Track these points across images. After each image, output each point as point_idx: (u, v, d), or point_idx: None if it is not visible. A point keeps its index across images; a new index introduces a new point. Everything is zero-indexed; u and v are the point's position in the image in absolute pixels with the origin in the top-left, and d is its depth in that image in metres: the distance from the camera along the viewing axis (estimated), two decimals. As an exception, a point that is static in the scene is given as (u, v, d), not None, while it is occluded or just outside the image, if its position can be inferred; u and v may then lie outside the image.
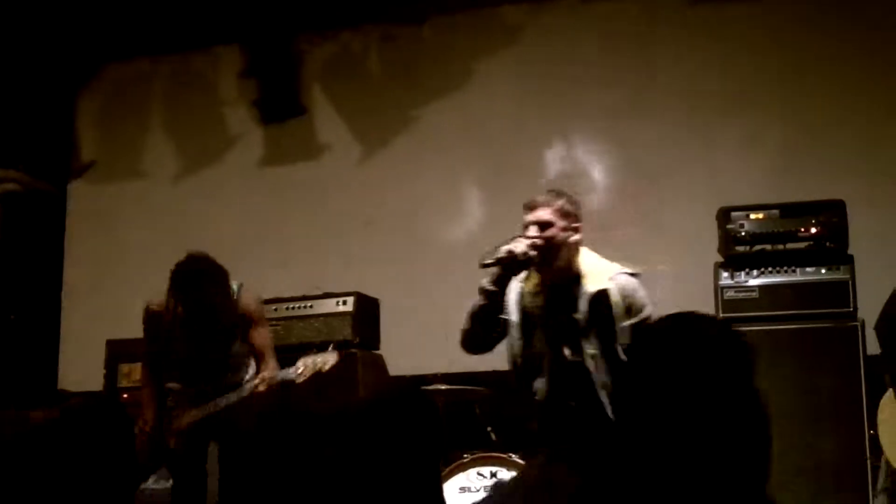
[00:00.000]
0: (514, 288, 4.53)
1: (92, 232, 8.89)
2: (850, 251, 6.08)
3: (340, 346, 6.80)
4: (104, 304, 8.33)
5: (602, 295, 4.34)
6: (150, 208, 8.70)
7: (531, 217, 4.42)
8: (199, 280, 5.46)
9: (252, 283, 7.65)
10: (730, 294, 6.21)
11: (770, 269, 6.18)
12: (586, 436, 4.31)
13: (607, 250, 7.39)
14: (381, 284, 7.56)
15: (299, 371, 5.45)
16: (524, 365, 4.53)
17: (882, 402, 4.93)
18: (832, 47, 7.47)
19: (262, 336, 5.68)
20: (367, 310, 7.16)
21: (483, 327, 4.53)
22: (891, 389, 4.87)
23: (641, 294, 4.42)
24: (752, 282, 6.19)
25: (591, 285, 4.37)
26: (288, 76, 8.63)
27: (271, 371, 5.52)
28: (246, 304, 5.64)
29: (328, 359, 5.58)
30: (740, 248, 6.28)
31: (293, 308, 7.12)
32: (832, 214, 6.18)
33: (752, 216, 6.27)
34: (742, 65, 7.65)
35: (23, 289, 8.49)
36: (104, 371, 7.37)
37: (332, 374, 5.55)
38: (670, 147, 7.67)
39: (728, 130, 7.59)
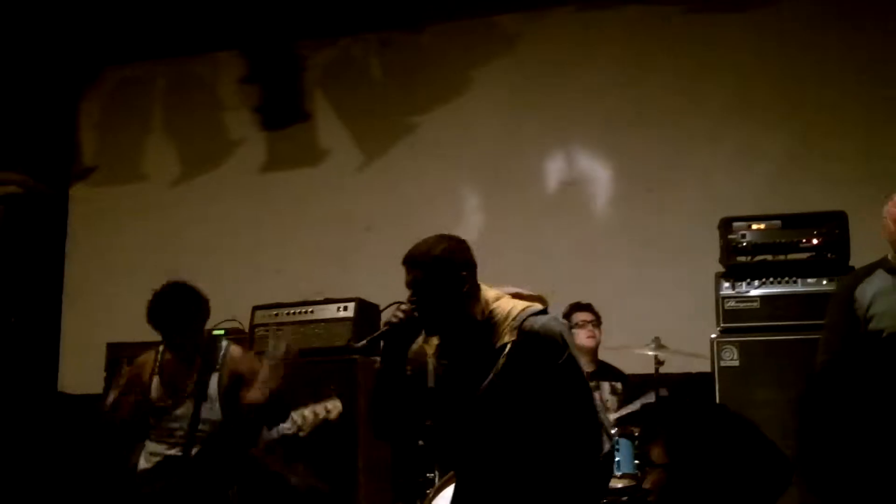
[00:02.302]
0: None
1: (93, 235, 8.91)
2: (850, 262, 6.09)
3: (340, 352, 6.82)
4: (104, 307, 8.34)
5: (506, 352, 3.57)
6: (150, 212, 8.71)
7: (406, 279, 3.68)
8: (182, 312, 5.22)
9: (252, 287, 7.75)
10: (731, 304, 6.21)
11: (771, 279, 6.19)
12: None
13: (606, 260, 7.50)
14: (381, 290, 7.56)
15: (298, 424, 5.17)
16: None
17: None
18: (831, 57, 7.50)
19: (255, 393, 5.16)
20: (368, 315, 7.15)
21: (386, 398, 3.88)
22: None
23: (552, 335, 3.59)
24: (754, 292, 6.19)
25: (497, 341, 3.61)
26: (289, 82, 8.65)
27: (255, 394, 5.13)
28: (234, 360, 5.28)
29: (331, 407, 5.29)
30: (741, 259, 6.28)
31: (294, 313, 7.10)
32: (833, 225, 6.19)
33: (754, 226, 6.27)
34: (741, 74, 7.67)
35: (23, 291, 8.49)
36: (104, 373, 7.35)
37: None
38: (669, 156, 7.70)
39: (727, 140, 7.61)
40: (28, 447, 7.25)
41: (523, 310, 3.65)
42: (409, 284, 3.66)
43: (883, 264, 4.92)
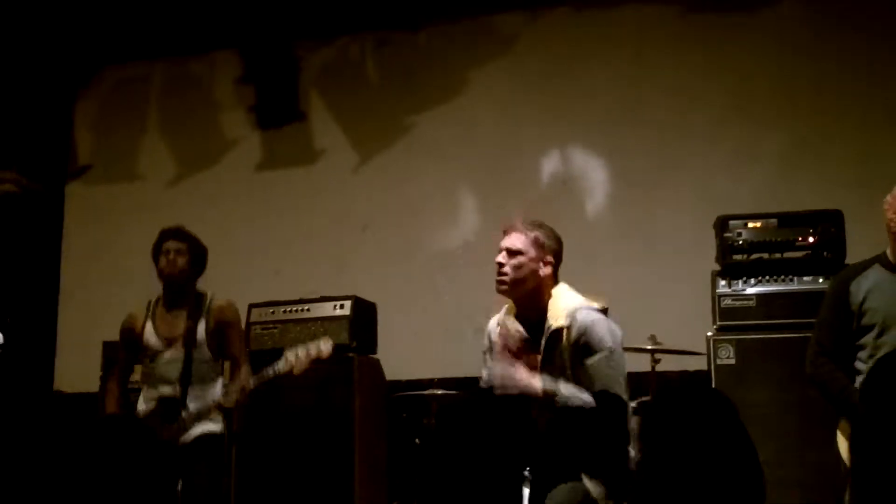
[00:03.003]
0: (494, 320, 4.52)
1: (88, 234, 8.90)
2: (847, 261, 6.09)
3: (336, 350, 6.82)
4: (100, 306, 8.31)
5: (557, 333, 4.24)
6: (146, 211, 8.67)
7: (503, 242, 4.39)
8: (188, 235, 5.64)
9: (249, 286, 7.75)
10: (727, 302, 6.23)
11: (767, 277, 6.21)
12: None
13: (604, 259, 7.51)
14: (377, 289, 7.57)
15: (292, 363, 5.28)
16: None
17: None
18: (828, 59, 7.51)
19: (238, 348, 5.51)
20: (365, 314, 7.17)
21: None
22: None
23: (600, 331, 4.23)
24: (750, 290, 6.21)
25: (552, 322, 4.27)
26: (285, 82, 8.66)
27: (244, 380, 5.32)
28: (220, 308, 5.51)
29: (322, 345, 5.37)
30: (738, 257, 6.31)
31: (290, 311, 7.12)
32: (829, 224, 6.21)
33: (750, 225, 6.29)
34: (737, 74, 7.68)
35: (19, 290, 8.47)
36: (100, 373, 7.35)
37: (331, 359, 5.42)
38: (666, 156, 7.70)
39: (724, 140, 7.62)
40: (24, 446, 7.24)
41: (582, 303, 4.29)
42: (504, 249, 4.33)
43: (880, 260, 4.92)
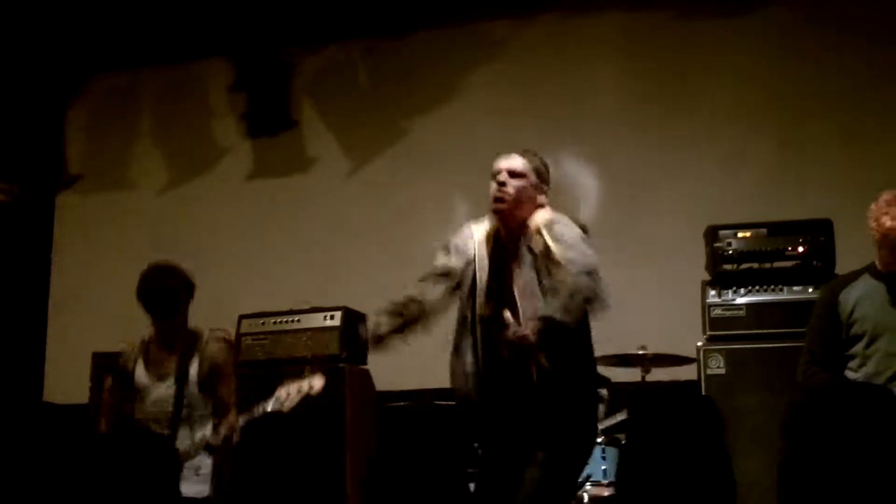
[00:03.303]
0: (471, 241, 4.55)
1: (79, 243, 8.88)
2: (836, 270, 6.09)
3: (328, 361, 6.82)
4: (91, 316, 8.31)
5: (537, 235, 4.29)
6: (137, 219, 8.69)
7: (504, 164, 4.43)
8: (171, 297, 5.39)
9: (239, 295, 7.73)
10: (717, 312, 6.22)
11: (757, 287, 6.20)
12: (514, 400, 4.30)
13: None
14: (369, 298, 7.54)
15: (282, 400, 5.21)
16: (462, 324, 4.52)
17: None
18: (817, 64, 7.51)
19: (227, 388, 5.39)
20: (355, 324, 7.15)
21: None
22: None
23: (573, 233, 4.29)
24: (740, 300, 6.20)
25: (531, 227, 4.33)
26: (277, 89, 8.64)
27: (228, 429, 5.24)
28: (212, 352, 5.40)
29: (314, 381, 5.33)
30: (728, 267, 6.29)
31: (280, 322, 7.10)
32: (819, 233, 6.21)
33: (740, 234, 6.28)
34: (727, 82, 7.68)
35: (9, 300, 8.46)
36: (90, 384, 7.33)
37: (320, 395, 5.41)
38: (656, 163, 7.69)
39: (714, 147, 7.61)
40: (13, 458, 7.21)
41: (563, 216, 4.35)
42: (500, 172, 4.38)
43: (869, 269, 4.93)
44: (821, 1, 7.64)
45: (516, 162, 4.43)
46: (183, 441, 5.19)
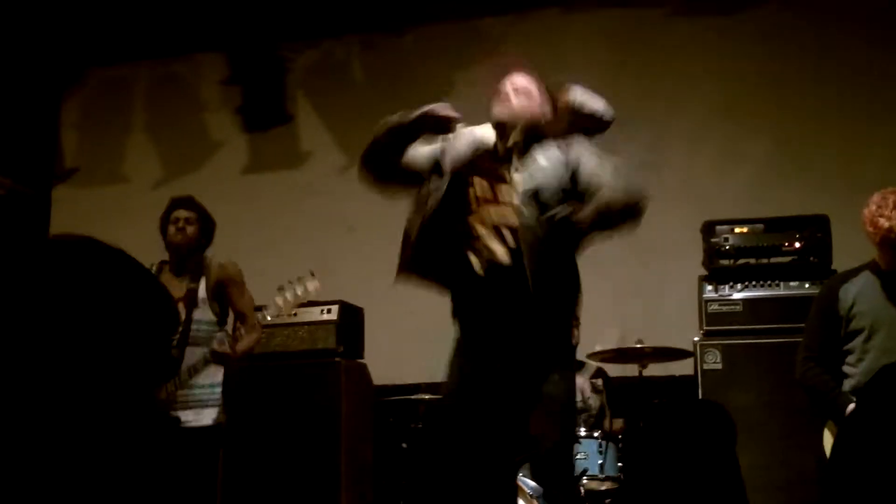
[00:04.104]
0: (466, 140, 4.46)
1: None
2: (833, 266, 6.12)
3: (323, 355, 6.82)
4: (86, 310, 8.29)
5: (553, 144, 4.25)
6: (132, 213, 8.64)
7: (512, 82, 4.42)
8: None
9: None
10: (713, 307, 6.23)
11: (754, 283, 6.21)
12: (505, 310, 4.18)
13: (590, 262, 7.49)
14: (364, 292, 7.55)
15: (280, 307, 5.38)
16: (430, 224, 4.43)
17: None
18: (812, 63, 7.54)
19: (244, 298, 5.55)
20: (352, 318, 7.15)
21: (397, 142, 4.50)
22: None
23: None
24: (736, 295, 6.21)
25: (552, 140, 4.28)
26: (272, 84, 8.64)
27: (248, 340, 5.36)
28: (220, 265, 5.55)
29: (309, 286, 5.49)
30: (724, 262, 6.31)
31: (276, 316, 7.09)
32: (816, 229, 6.22)
33: (737, 230, 6.30)
34: (723, 79, 7.70)
35: (3, 294, 8.44)
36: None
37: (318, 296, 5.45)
38: (651, 159, 7.70)
39: (709, 144, 7.63)
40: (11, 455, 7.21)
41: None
42: (514, 88, 4.35)
43: (870, 266, 4.95)
44: (817, 1, 7.66)
45: (524, 80, 4.43)
46: (189, 358, 5.24)
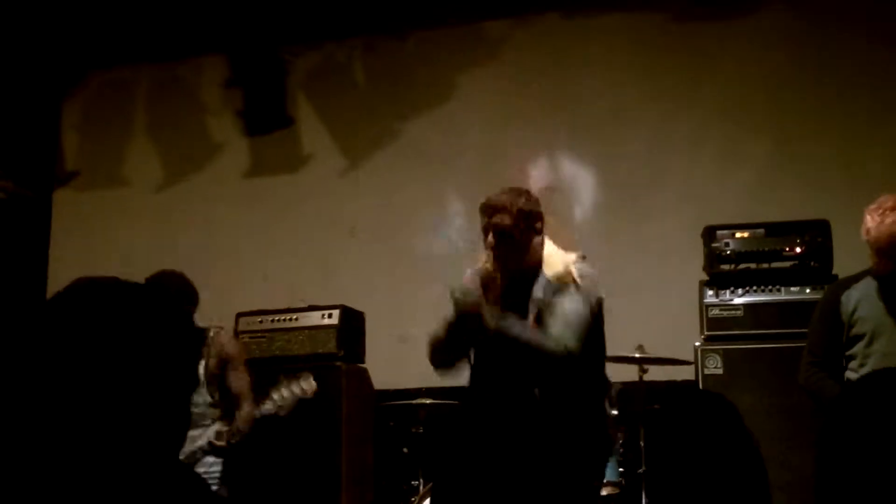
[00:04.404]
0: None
1: (76, 239, 8.85)
2: (834, 271, 6.11)
3: (324, 359, 6.82)
4: (87, 313, 8.29)
5: (561, 279, 4.10)
6: (133, 216, 8.68)
7: (489, 222, 4.17)
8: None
9: (236, 293, 7.73)
10: (714, 312, 6.23)
11: (755, 287, 6.21)
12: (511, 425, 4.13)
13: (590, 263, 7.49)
14: (365, 296, 7.56)
15: (279, 404, 5.24)
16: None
17: None
18: (813, 64, 7.53)
19: (241, 380, 5.38)
20: (353, 323, 7.15)
21: (455, 340, 4.20)
22: None
23: (588, 280, 4.13)
24: (737, 300, 6.21)
25: (549, 271, 4.13)
26: (273, 86, 8.64)
27: (243, 421, 5.24)
28: (221, 345, 5.40)
29: (305, 386, 5.33)
30: (725, 267, 6.30)
31: (277, 320, 7.10)
32: (817, 234, 6.21)
33: (738, 235, 6.29)
34: (724, 82, 7.70)
35: (5, 297, 8.43)
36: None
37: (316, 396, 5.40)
38: (652, 163, 7.71)
39: (710, 147, 7.63)
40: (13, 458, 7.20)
41: (576, 258, 4.19)
42: (490, 229, 4.11)
43: (871, 272, 4.95)
44: (818, 3, 7.64)
45: (501, 218, 4.14)
46: (189, 443, 5.14)
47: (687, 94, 7.76)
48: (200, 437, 5.22)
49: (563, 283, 4.08)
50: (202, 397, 5.26)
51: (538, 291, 4.11)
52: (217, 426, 5.25)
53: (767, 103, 7.59)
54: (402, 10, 8.37)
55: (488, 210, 4.20)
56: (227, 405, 5.34)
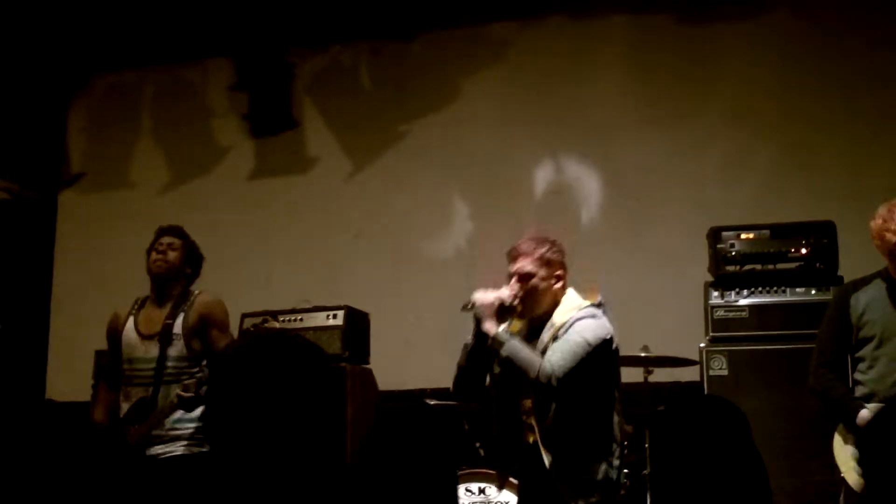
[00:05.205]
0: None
1: (81, 241, 8.88)
2: (839, 272, 6.11)
3: (329, 360, 6.81)
4: (93, 314, 8.21)
5: (555, 327, 4.28)
6: (139, 218, 8.62)
7: (513, 268, 4.38)
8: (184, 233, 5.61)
9: (241, 294, 7.73)
10: (720, 313, 6.23)
11: (760, 289, 6.21)
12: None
13: (597, 268, 7.50)
14: (370, 298, 7.55)
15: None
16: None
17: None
18: (819, 68, 7.54)
19: (223, 340, 5.33)
20: (357, 324, 7.14)
21: (475, 366, 4.43)
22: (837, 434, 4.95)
23: (585, 323, 4.26)
24: (743, 301, 6.21)
25: (556, 318, 4.32)
26: (278, 89, 8.65)
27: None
28: (203, 303, 5.35)
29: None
30: (731, 268, 6.31)
31: (283, 321, 7.07)
32: (822, 235, 6.22)
33: (743, 236, 6.30)
34: (730, 85, 7.71)
35: (11, 298, 8.45)
36: (92, 381, 7.32)
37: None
38: (658, 165, 7.72)
39: (716, 150, 7.63)
40: (16, 456, 7.21)
41: (584, 303, 4.34)
42: (515, 274, 4.32)
43: (881, 274, 4.95)
44: (823, 7, 7.65)
45: (522, 263, 4.37)
46: (163, 399, 5.15)
47: (693, 98, 7.77)
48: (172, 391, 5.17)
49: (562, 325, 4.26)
50: (178, 351, 5.24)
51: (544, 335, 4.29)
52: (186, 381, 5.15)
53: (774, 108, 7.60)
54: (408, 14, 8.39)
55: (511, 257, 4.41)
56: (207, 357, 5.27)
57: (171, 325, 5.25)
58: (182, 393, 5.10)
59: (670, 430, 6.13)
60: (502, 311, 4.31)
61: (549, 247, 4.43)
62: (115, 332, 5.44)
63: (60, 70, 9.01)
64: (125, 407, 5.27)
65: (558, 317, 4.31)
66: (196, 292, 5.44)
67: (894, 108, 7.38)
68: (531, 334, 4.36)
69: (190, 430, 5.21)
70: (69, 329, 8.64)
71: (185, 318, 5.29)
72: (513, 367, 4.20)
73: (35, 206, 8.88)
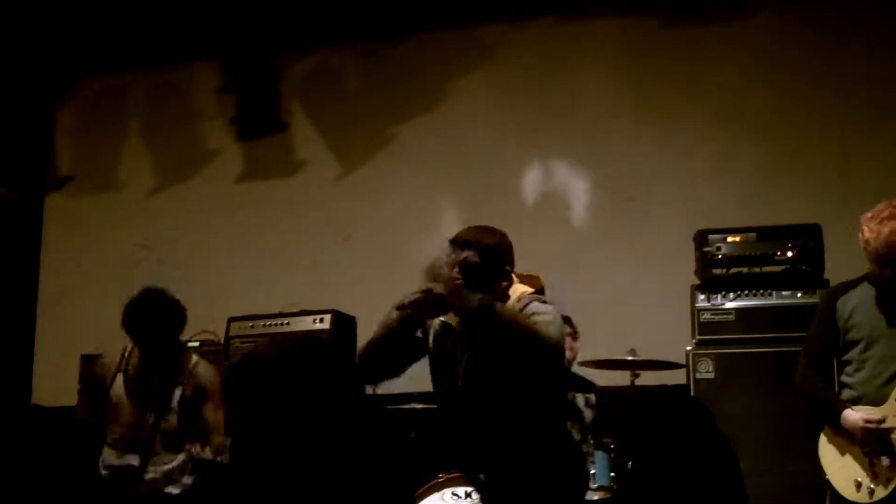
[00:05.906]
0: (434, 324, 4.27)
1: (68, 244, 8.85)
2: (825, 275, 6.12)
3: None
4: (79, 318, 8.28)
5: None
6: (126, 221, 8.66)
7: (455, 257, 4.07)
8: (157, 320, 5.20)
9: (229, 298, 7.72)
10: (706, 316, 6.24)
11: (746, 291, 6.22)
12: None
13: (584, 270, 7.50)
14: (358, 302, 7.53)
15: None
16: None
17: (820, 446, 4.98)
18: (806, 70, 7.53)
19: (215, 413, 5.19)
20: (345, 328, 7.13)
21: (390, 351, 4.19)
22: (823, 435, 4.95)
23: (546, 318, 4.01)
24: (729, 304, 6.22)
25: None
26: (267, 92, 8.63)
27: (213, 452, 5.02)
28: (199, 375, 5.28)
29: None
30: (717, 271, 6.32)
31: (269, 325, 7.07)
32: (808, 238, 6.23)
33: (729, 239, 6.31)
34: (719, 87, 7.70)
35: (-2, 301, 8.45)
36: (79, 385, 7.29)
37: None
38: (647, 167, 7.70)
39: (705, 152, 7.62)
40: (1, 461, 7.19)
41: (522, 294, 4.11)
42: (457, 264, 4.00)
43: (868, 277, 4.96)
44: (813, 7, 7.64)
45: (468, 253, 4.08)
46: (154, 471, 5.10)
47: (682, 99, 7.75)
48: (170, 462, 5.13)
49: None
50: (172, 424, 5.16)
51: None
52: (191, 448, 5.07)
53: (762, 109, 7.59)
54: (395, 16, 8.37)
55: (458, 244, 4.11)
56: (198, 433, 5.17)
57: (169, 397, 5.16)
58: (201, 453, 5.01)
59: (657, 432, 6.14)
60: (432, 308, 4.03)
61: (499, 240, 4.22)
62: (101, 385, 5.32)
63: (48, 72, 8.98)
64: (107, 471, 5.22)
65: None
66: (193, 361, 5.34)
67: (883, 111, 7.37)
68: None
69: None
70: (55, 333, 8.60)
71: (182, 393, 5.21)
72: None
73: (21, 208, 8.85)
